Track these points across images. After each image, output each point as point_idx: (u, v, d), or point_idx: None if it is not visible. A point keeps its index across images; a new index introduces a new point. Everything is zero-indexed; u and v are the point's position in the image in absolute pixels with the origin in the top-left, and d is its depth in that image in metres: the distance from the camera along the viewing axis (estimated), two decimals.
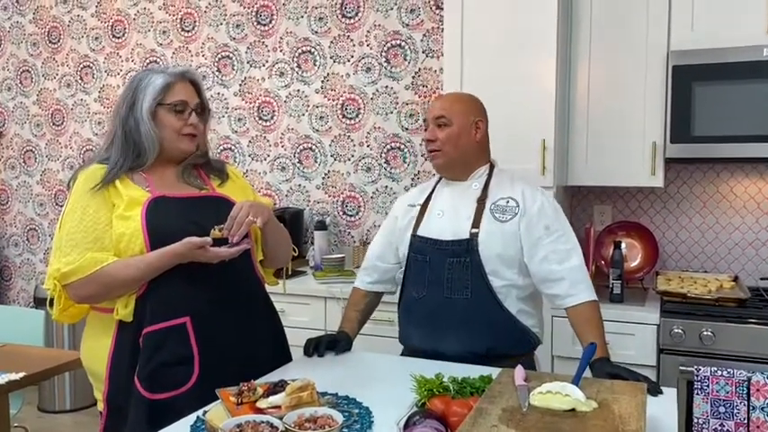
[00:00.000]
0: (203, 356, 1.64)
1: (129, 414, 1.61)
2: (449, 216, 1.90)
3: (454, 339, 1.82)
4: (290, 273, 1.97)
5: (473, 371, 1.60)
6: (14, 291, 4.51)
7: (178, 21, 3.87)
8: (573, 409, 1.25)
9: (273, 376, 1.69)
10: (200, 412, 1.45)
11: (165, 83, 1.69)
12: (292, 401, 1.37)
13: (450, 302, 1.83)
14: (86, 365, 1.74)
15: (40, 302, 3.87)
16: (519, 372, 1.44)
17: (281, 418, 1.30)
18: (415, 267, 1.91)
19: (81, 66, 4.17)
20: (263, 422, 1.28)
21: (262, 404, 1.40)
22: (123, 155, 1.69)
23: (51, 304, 1.67)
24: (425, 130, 1.93)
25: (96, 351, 1.69)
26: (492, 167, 1.96)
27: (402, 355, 2.00)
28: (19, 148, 4.42)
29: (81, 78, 4.18)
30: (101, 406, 1.70)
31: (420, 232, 1.92)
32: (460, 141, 1.88)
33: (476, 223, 1.84)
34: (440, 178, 2.01)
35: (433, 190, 2.00)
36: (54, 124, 4.29)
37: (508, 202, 1.86)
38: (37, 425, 3.69)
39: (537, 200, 1.87)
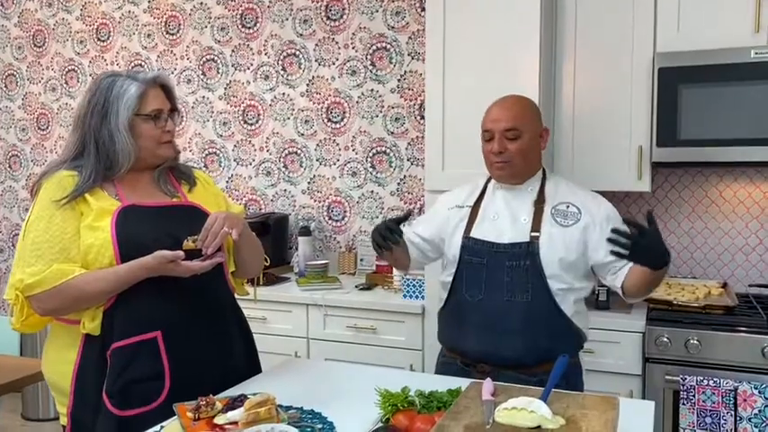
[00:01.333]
0: (174, 371, 1.59)
1: (97, 430, 1.56)
2: (504, 219, 1.87)
3: (514, 342, 1.79)
4: (261, 283, 1.91)
5: (442, 384, 1.54)
6: (0, 297, 4.46)
7: (163, 24, 3.83)
8: (539, 427, 1.19)
9: (239, 389, 1.64)
10: (157, 427, 1.41)
11: (139, 92, 1.63)
12: (249, 417, 1.32)
13: (510, 306, 1.80)
14: (49, 379, 1.69)
15: None
16: (487, 385, 1.39)
17: None
18: (469, 270, 1.86)
19: (66, 69, 4.13)
20: None
21: (219, 420, 1.35)
22: (95, 167, 1.62)
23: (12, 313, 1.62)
24: (487, 140, 1.86)
25: (60, 365, 1.64)
26: (544, 171, 1.94)
27: (441, 357, 1.97)
28: (4, 152, 4.38)
29: (66, 82, 4.13)
30: (64, 420, 1.64)
31: (474, 234, 1.87)
32: (531, 154, 1.86)
33: (536, 227, 1.82)
34: (489, 179, 1.96)
35: (483, 191, 1.95)
36: (39, 128, 4.25)
37: (569, 207, 1.85)
38: None
39: (602, 207, 1.87)
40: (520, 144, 1.83)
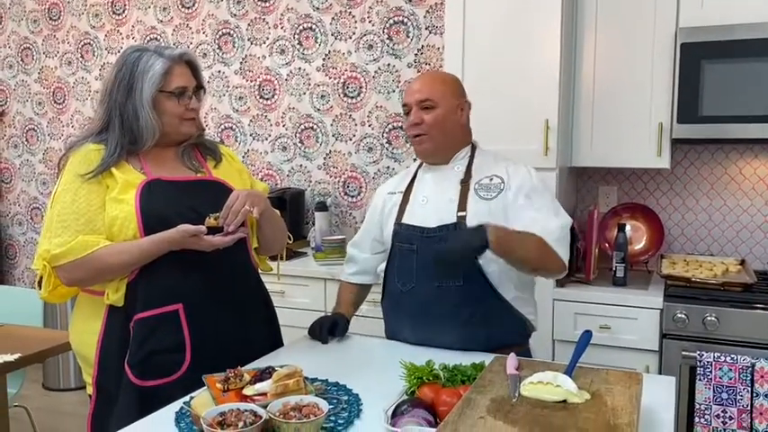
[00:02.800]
0: (195, 344, 1.62)
1: (119, 399, 1.60)
2: (433, 202, 1.81)
3: (449, 330, 1.76)
4: (284, 258, 1.93)
5: (465, 358, 1.56)
6: (19, 269, 4.52)
7: None
8: (564, 401, 1.21)
9: (264, 362, 1.67)
10: (186, 398, 1.43)
11: (164, 69, 1.63)
12: (278, 389, 1.34)
13: (441, 291, 1.74)
14: (75, 348, 1.72)
15: None
16: (511, 360, 1.40)
17: (266, 406, 1.27)
18: (401, 258, 1.82)
19: (81, 43, 4.12)
20: (246, 411, 1.25)
21: (248, 391, 1.38)
22: (120, 141, 1.64)
23: (41, 284, 1.65)
24: (406, 114, 1.83)
25: (85, 335, 1.67)
26: (474, 148, 1.88)
27: None
28: (21, 126, 4.40)
29: (82, 56, 4.13)
30: (90, 389, 1.68)
31: (405, 220, 1.83)
32: (447, 125, 1.79)
33: (462, 206, 1.76)
34: (420, 164, 1.92)
35: (414, 176, 1.91)
36: (55, 102, 4.26)
37: (492, 179, 1.78)
38: (41, 402, 3.71)
39: (519, 172, 1.79)
40: (434, 115, 1.77)
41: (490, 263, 1.73)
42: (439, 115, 1.78)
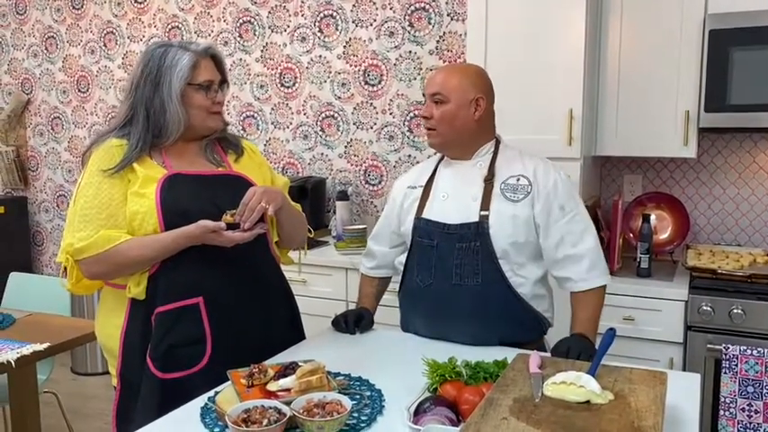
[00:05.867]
0: (216, 336, 1.64)
1: (142, 391, 1.62)
2: (454, 198, 1.79)
3: (463, 329, 1.75)
4: (306, 252, 1.94)
5: (488, 354, 1.56)
6: (47, 256, 4.60)
7: None
8: (588, 401, 1.21)
9: (287, 355, 1.69)
10: (211, 393, 1.45)
11: (192, 62, 1.64)
12: (302, 386, 1.35)
13: (459, 290, 1.73)
14: (100, 340, 1.76)
15: None
16: (534, 358, 1.40)
17: (289, 403, 1.29)
18: (420, 253, 1.81)
19: (104, 32, 4.15)
20: (271, 408, 1.26)
21: (272, 387, 1.39)
22: (144, 136, 1.65)
23: (66, 275, 1.68)
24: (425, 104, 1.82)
25: (109, 327, 1.70)
26: (498, 143, 1.84)
27: None
28: (46, 114, 4.45)
29: (105, 45, 4.16)
30: (114, 381, 1.71)
31: (426, 215, 1.81)
32: (457, 121, 1.75)
33: (485, 205, 1.73)
34: (441, 157, 1.90)
35: (435, 170, 1.88)
36: (80, 91, 4.30)
37: (519, 179, 1.75)
38: (70, 387, 3.80)
39: (551, 178, 1.76)
40: (443, 110, 1.75)
41: (508, 263, 1.73)
42: (447, 111, 1.75)
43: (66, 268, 1.65)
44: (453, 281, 1.74)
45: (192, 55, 1.65)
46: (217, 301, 1.65)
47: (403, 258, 1.90)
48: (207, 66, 1.68)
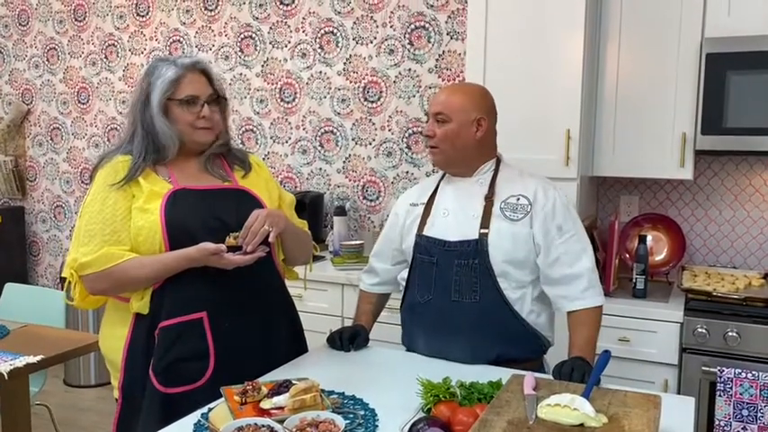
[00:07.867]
0: (219, 352, 1.64)
1: (143, 405, 1.62)
2: (455, 215, 1.81)
3: (462, 345, 1.76)
4: (312, 269, 1.95)
5: (483, 373, 1.56)
6: (42, 266, 4.59)
7: (201, 0, 3.83)
8: (581, 424, 1.21)
9: (282, 372, 1.68)
10: (204, 409, 1.45)
11: (174, 77, 1.64)
12: (295, 404, 1.35)
13: (457, 307, 1.75)
14: (104, 353, 1.75)
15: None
16: (528, 380, 1.40)
17: (283, 421, 1.28)
18: (421, 269, 1.83)
19: (106, 44, 4.17)
20: (264, 426, 1.26)
21: (265, 405, 1.39)
22: (144, 150, 1.66)
23: (63, 286, 1.68)
24: (428, 122, 1.84)
25: (113, 340, 1.70)
26: (498, 162, 1.86)
27: None
28: (46, 125, 4.46)
29: (106, 57, 4.18)
30: (116, 393, 1.70)
31: (426, 232, 1.83)
32: (458, 140, 1.77)
33: (485, 223, 1.75)
34: (443, 175, 1.92)
35: (436, 187, 1.90)
36: (80, 102, 4.32)
37: (519, 199, 1.77)
38: (62, 399, 3.77)
39: (550, 197, 1.78)
40: (446, 129, 1.77)
41: (506, 280, 1.74)
42: (450, 130, 1.77)
43: (69, 282, 1.66)
44: (452, 297, 1.76)
45: (177, 69, 1.65)
46: (220, 317, 1.65)
47: (405, 274, 1.92)
48: (193, 80, 1.67)
